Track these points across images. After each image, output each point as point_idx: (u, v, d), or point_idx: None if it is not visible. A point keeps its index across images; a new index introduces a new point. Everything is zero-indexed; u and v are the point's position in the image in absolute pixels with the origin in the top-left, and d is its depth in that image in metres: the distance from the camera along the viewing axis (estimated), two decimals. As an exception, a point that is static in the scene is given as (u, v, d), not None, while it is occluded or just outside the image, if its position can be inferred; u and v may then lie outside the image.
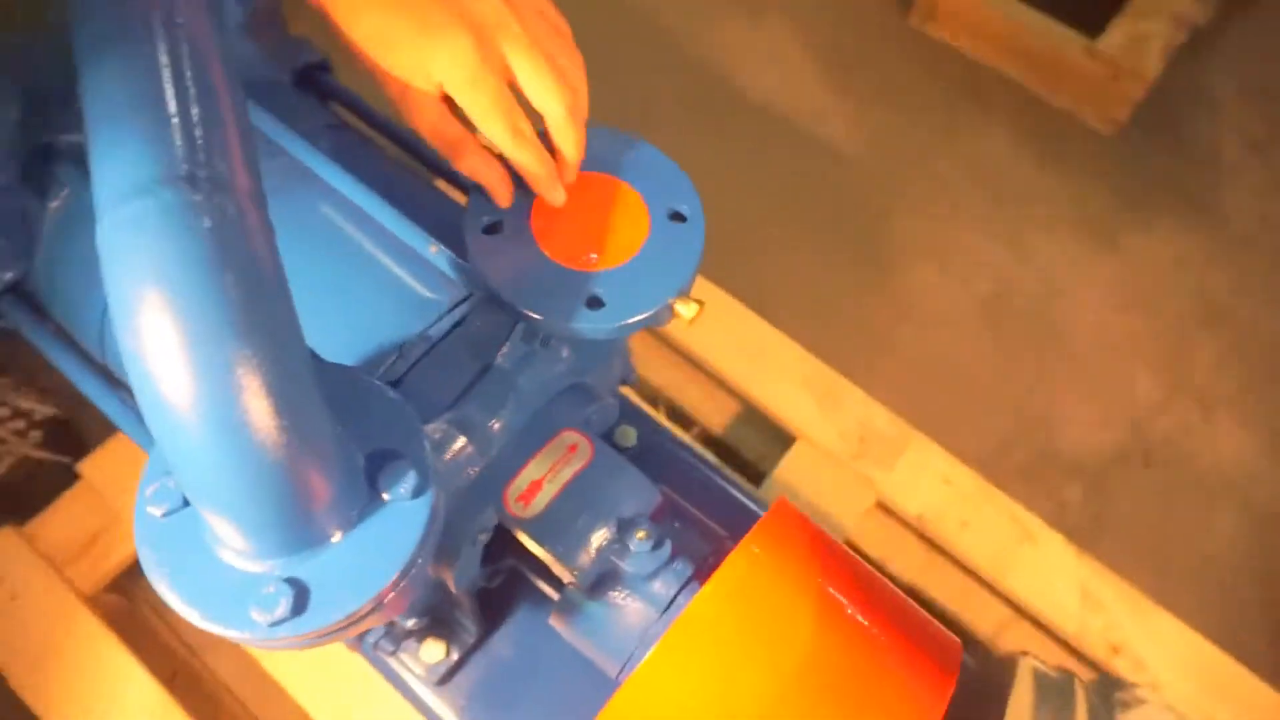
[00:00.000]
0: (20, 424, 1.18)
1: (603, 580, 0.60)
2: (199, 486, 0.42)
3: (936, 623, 0.60)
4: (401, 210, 0.62)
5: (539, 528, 0.59)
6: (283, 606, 0.43)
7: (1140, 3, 1.48)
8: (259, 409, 0.39)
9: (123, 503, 1.04)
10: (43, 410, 1.20)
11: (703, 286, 1.21)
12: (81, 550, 1.04)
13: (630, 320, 0.54)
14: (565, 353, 0.62)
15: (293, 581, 0.44)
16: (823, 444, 1.09)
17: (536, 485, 0.60)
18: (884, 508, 1.10)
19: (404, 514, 0.46)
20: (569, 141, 0.54)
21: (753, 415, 1.19)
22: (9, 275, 0.69)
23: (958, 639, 0.59)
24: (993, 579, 1.03)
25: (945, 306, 1.40)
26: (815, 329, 1.23)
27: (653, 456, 0.74)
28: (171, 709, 0.96)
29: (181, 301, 0.37)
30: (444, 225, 0.62)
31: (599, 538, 0.59)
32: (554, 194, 0.56)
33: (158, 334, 0.37)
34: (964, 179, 1.50)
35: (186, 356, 0.37)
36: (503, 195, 0.56)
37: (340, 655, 0.96)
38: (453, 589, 0.67)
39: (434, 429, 0.57)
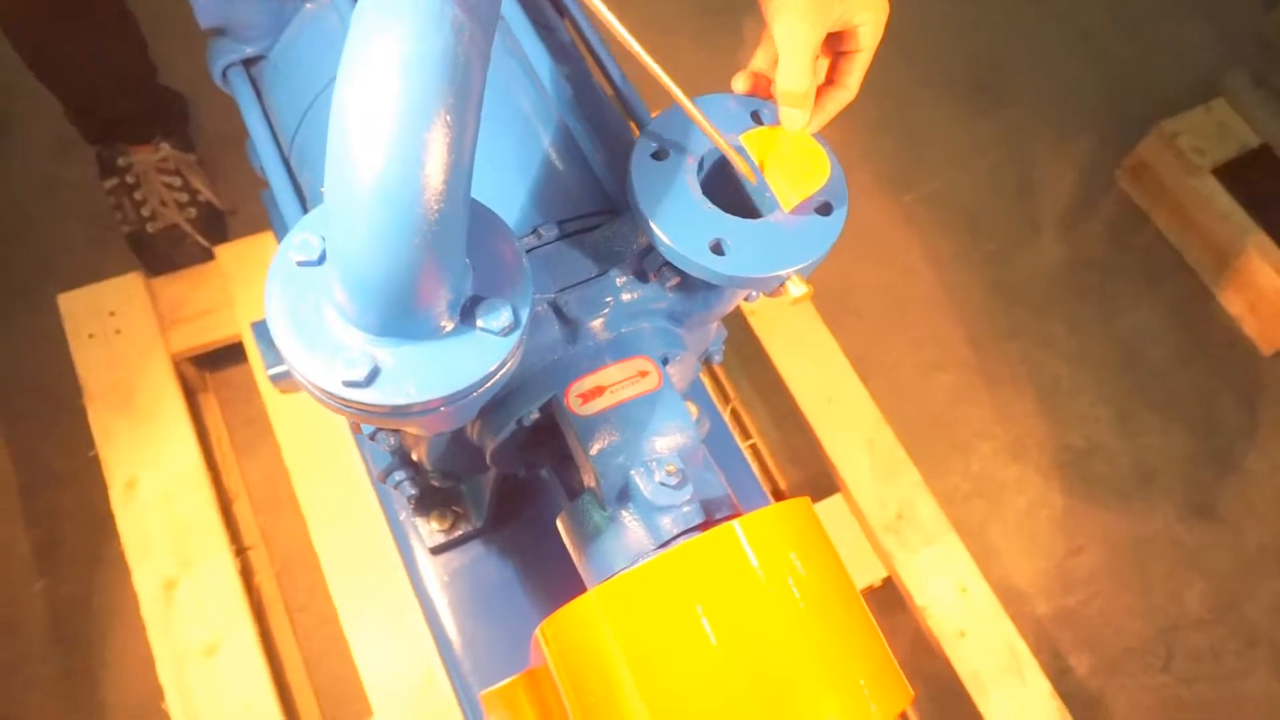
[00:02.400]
0: (184, 197, 1.30)
1: (620, 496, 0.64)
2: (351, 243, 0.47)
3: (896, 666, 0.62)
4: (582, 114, 0.68)
5: (587, 427, 0.64)
6: (356, 372, 0.49)
7: (1348, 239, 1.44)
8: (434, 182, 0.45)
9: (240, 294, 1.14)
10: (207, 194, 1.32)
11: (814, 325, 1.25)
12: (189, 318, 1.15)
13: (741, 274, 0.58)
14: (670, 291, 0.67)
15: (373, 359, 0.50)
16: (861, 505, 1.11)
17: (599, 390, 0.65)
18: (887, 588, 1.11)
19: (486, 345, 0.52)
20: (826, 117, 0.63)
21: (807, 454, 1.22)
22: (249, 50, 0.78)
23: (910, 690, 0.61)
24: (971, 693, 1.02)
25: (1031, 443, 1.39)
26: (901, 408, 1.24)
27: (708, 440, 0.78)
28: (202, 480, 1.05)
29: (414, 67, 0.43)
30: (618, 146, 0.68)
31: (633, 456, 0.63)
32: (792, 120, 0.62)
33: (379, 88, 0.43)
34: (1102, 337, 1.49)
35: (396, 114, 0.43)
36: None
37: (356, 502, 1.02)
38: (486, 460, 0.72)
39: (536, 303, 0.63)
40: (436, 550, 0.92)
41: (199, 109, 1.39)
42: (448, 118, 0.45)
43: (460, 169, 0.46)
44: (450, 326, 0.52)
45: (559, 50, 0.76)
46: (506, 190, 0.66)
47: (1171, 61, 1.71)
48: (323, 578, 1.02)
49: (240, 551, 1.08)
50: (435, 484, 0.81)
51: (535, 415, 0.66)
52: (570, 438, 0.65)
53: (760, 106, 0.65)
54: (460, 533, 0.91)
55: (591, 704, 0.60)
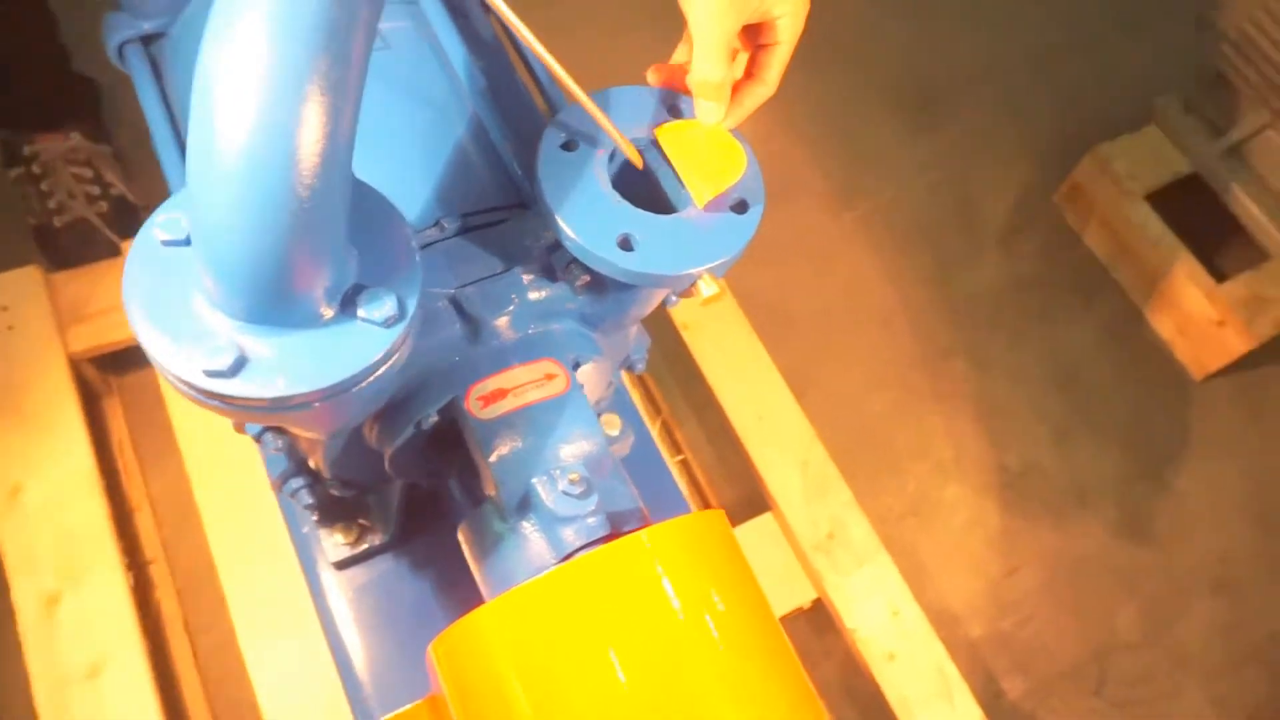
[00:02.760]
0: (95, 190, 1.23)
1: (521, 505, 0.60)
2: (213, 218, 0.43)
3: (812, 691, 0.58)
4: (496, 105, 0.65)
5: (487, 431, 0.60)
6: (220, 361, 0.45)
7: (1274, 267, 1.46)
8: (306, 153, 0.41)
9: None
10: (120, 188, 1.26)
11: (750, 341, 1.22)
12: (91, 315, 1.08)
13: (649, 271, 0.55)
14: (579, 290, 0.63)
15: (240, 347, 0.46)
16: (791, 524, 1.08)
17: (501, 393, 0.61)
18: (817, 610, 1.08)
19: (367, 337, 0.48)
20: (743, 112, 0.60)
21: (740, 471, 1.19)
22: (148, 26, 0.74)
23: (825, 715, 0.58)
24: (899, 718, 1.00)
25: (967, 462, 1.38)
26: (836, 426, 1.22)
27: (633, 455, 0.75)
28: (94, 487, 0.98)
29: (285, 27, 0.39)
30: (527, 133, 0.65)
31: (536, 464, 0.59)
32: (707, 113, 0.59)
33: (247, 49, 0.39)
34: (1039, 356, 1.49)
35: (265, 77, 0.39)
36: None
37: (261, 516, 0.97)
38: (386, 467, 0.68)
39: (435, 298, 0.59)
40: (341, 565, 0.87)
41: (118, 98, 1.33)
42: (322, 85, 0.41)
43: (337, 142, 0.43)
44: (329, 315, 0.47)
45: (475, 38, 0.72)
46: (408, 179, 0.63)
47: (1113, 85, 1.74)
48: (223, 609, 0.96)
49: (138, 566, 1.02)
50: (335, 493, 0.76)
51: (434, 419, 0.62)
52: (470, 443, 0.61)
53: (679, 100, 0.63)
54: (365, 546, 0.86)
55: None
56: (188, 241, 0.48)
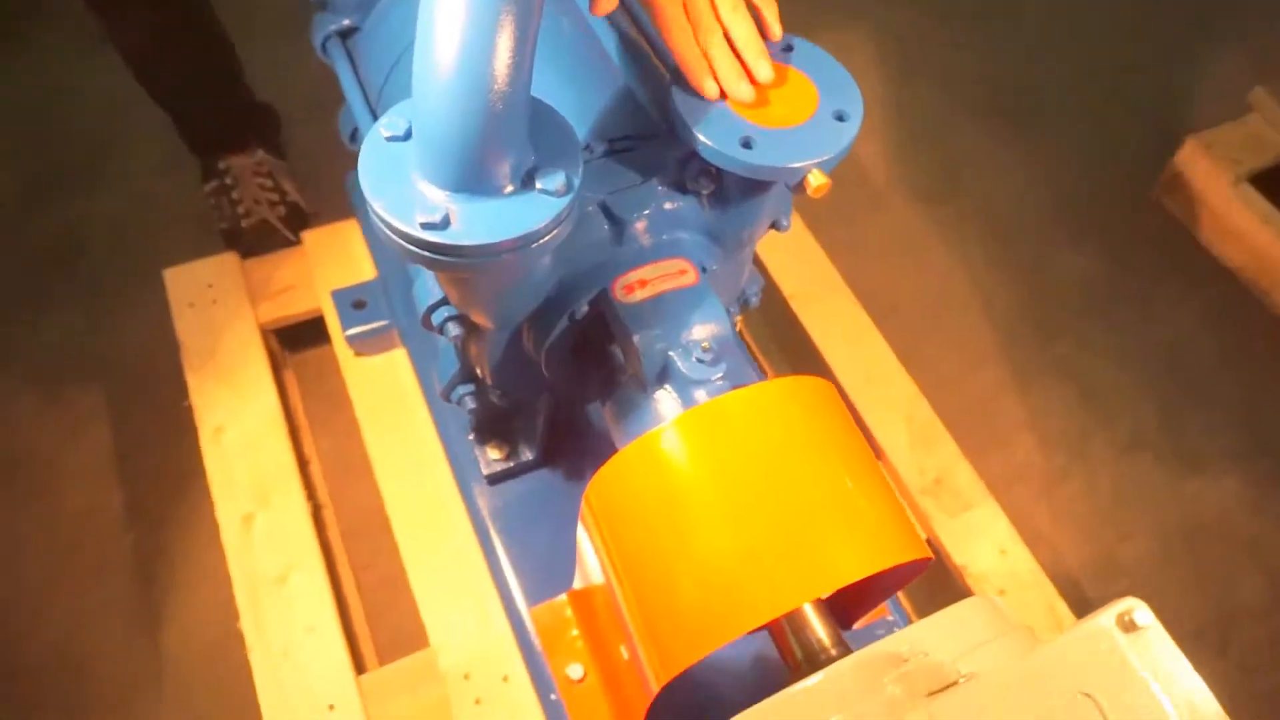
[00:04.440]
0: (275, 197, 1.43)
1: (660, 376, 0.70)
2: (433, 117, 0.57)
3: (912, 522, 0.66)
4: (629, 58, 0.78)
5: (631, 314, 0.71)
6: (434, 216, 0.58)
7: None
8: (499, 71, 0.55)
9: (320, 273, 1.25)
10: (294, 195, 1.46)
11: (855, 312, 1.31)
12: (275, 293, 1.26)
13: (767, 164, 0.66)
14: (706, 201, 0.74)
15: (448, 209, 0.58)
16: (899, 470, 1.15)
17: (642, 283, 0.72)
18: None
19: (545, 203, 0.60)
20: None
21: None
22: (346, 21, 0.91)
23: (925, 547, 0.65)
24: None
25: (1075, 436, 1.41)
26: (942, 398, 1.28)
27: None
28: (281, 430, 1.14)
29: None
30: (656, 81, 0.77)
31: (672, 339, 0.70)
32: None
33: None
34: (1143, 338, 1.51)
35: (470, 13, 0.53)
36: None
37: (423, 461, 1.09)
38: (543, 368, 0.79)
39: (586, 203, 0.71)
40: (493, 479, 0.99)
41: (289, 129, 1.54)
42: (509, 22, 0.55)
43: (520, 63, 0.56)
44: (514, 188, 0.60)
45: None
46: (564, 111, 0.75)
47: (1203, 85, 1.77)
48: (386, 542, 1.09)
49: (314, 507, 1.16)
50: (495, 401, 0.88)
51: (585, 309, 0.74)
52: (616, 327, 0.72)
53: (788, 39, 0.74)
54: (514, 463, 0.98)
55: (631, 550, 0.66)
56: (406, 136, 0.62)
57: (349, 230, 1.29)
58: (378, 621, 1.17)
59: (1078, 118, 1.77)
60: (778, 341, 1.39)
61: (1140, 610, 0.44)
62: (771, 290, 1.33)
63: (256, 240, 1.39)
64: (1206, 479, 1.39)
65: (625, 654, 0.87)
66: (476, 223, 0.59)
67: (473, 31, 0.54)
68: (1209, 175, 1.56)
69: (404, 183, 0.60)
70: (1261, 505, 1.37)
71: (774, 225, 0.83)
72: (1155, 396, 1.45)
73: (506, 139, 0.59)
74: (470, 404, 0.88)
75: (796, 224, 1.40)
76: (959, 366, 1.47)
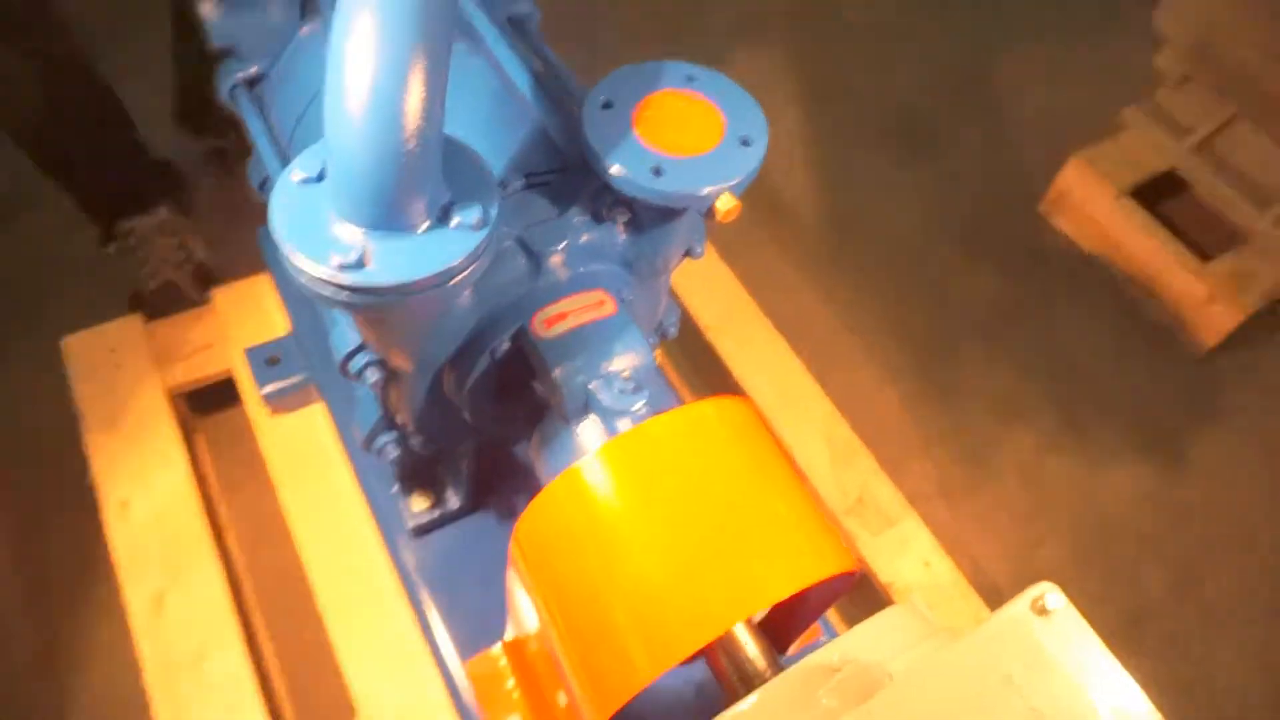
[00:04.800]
0: (181, 256, 1.39)
1: (582, 408, 0.71)
2: (346, 158, 0.57)
3: (839, 536, 0.67)
4: (539, 93, 0.79)
5: (551, 348, 0.71)
6: (350, 256, 0.57)
7: (1257, 243, 1.57)
8: (411, 104, 0.55)
9: (234, 331, 1.22)
10: (200, 254, 1.42)
11: (770, 337, 1.34)
12: (184, 355, 1.22)
13: (678, 190, 0.68)
14: (622, 230, 0.76)
15: (364, 248, 0.58)
16: (821, 491, 1.17)
17: (561, 316, 0.73)
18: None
19: (462, 237, 0.60)
20: None
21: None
22: (254, 68, 0.90)
23: (852, 557, 0.66)
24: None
25: (986, 445, 1.46)
26: (856, 416, 1.31)
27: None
28: (193, 499, 1.09)
29: (394, 20, 0.53)
30: (566, 117, 0.79)
31: (593, 371, 0.70)
32: None
33: (366, 32, 0.54)
34: (1042, 350, 1.59)
35: (378, 49, 0.54)
36: None
37: (342, 520, 1.06)
38: (465, 414, 0.79)
39: (503, 237, 0.71)
40: (419, 531, 0.97)
41: (196, 182, 1.51)
42: (419, 66, 0.55)
43: (432, 103, 0.57)
44: (430, 224, 0.60)
45: (516, 50, 0.88)
46: (479, 149, 0.76)
47: (1078, 103, 1.89)
48: (309, 606, 1.05)
49: (233, 582, 1.11)
50: (417, 449, 0.86)
51: (506, 345, 0.74)
52: (536, 362, 0.72)
53: (691, 70, 0.76)
54: (440, 513, 0.96)
55: (561, 586, 0.65)
56: (320, 178, 0.61)
57: (261, 285, 1.26)
58: (303, 694, 1.12)
59: (969, 140, 1.87)
60: (698, 372, 1.41)
61: (1052, 594, 0.46)
62: (688, 322, 1.36)
63: (163, 302, 1.35)
64: (1110, 477, 1.45)
65: (563, 700, 0.85)
66: (394, 261, 0.58)
67: (384, 69, 0.55)
68: (1092, 191, 1.66)
69: (318, 225, 0.59)
70: (1159, 501, 1.44)
71: (688, 253, 0.85)
72: (1059, 405, 1.52)
73: (421, 175, 0.59)
74: (392, 452, 0.86)
75: (711, 256, 1.44)
76: (872, 385, 1.51)
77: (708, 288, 1.38)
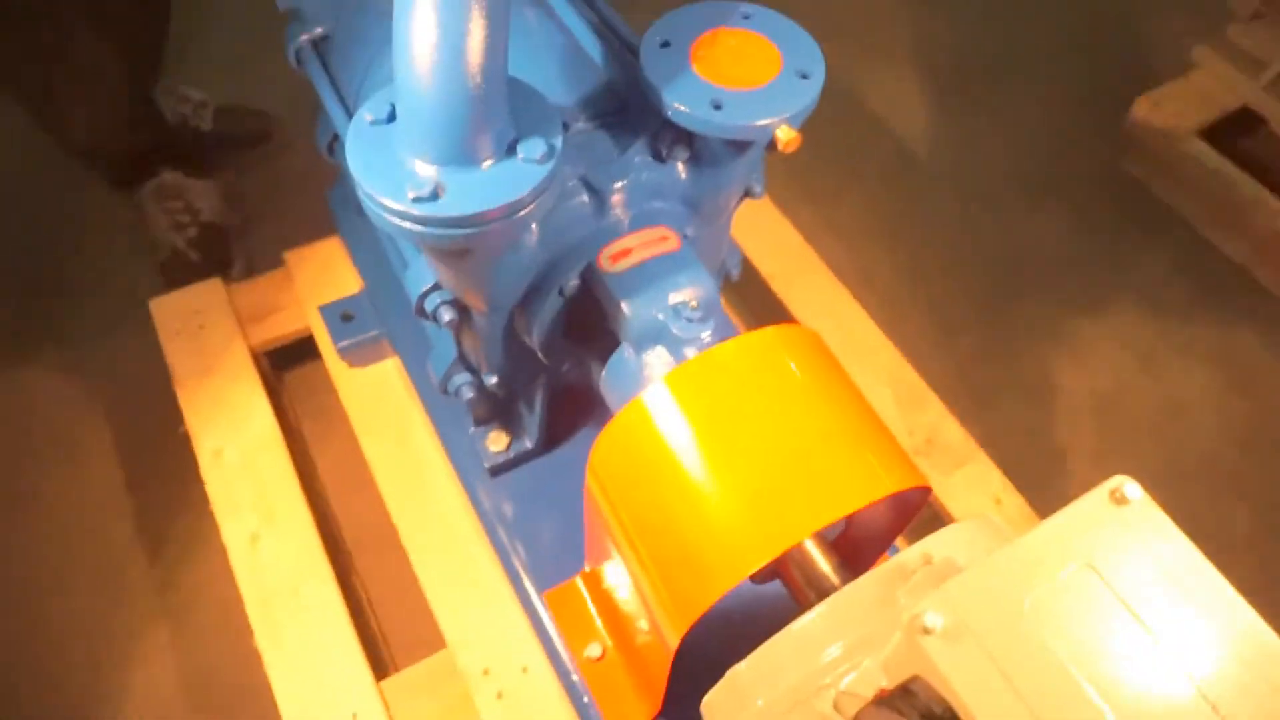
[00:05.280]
0: (185, 218, 1.42)
1: (650, 339, 0.73)
2: (416, 99, 0.59)
3: (906, 455, 0.68)
4: (599, 43, 0.81)
5: (618, 282, 0.74)
6: (425, 190, 0.60)
7: (1338, 178, 1.51)
8: (475, 41, 0.58)
9: (307, 294, 1.26)
10: (209, 214, 1.45)
11: (834, 287, 1.34)
12: (260, 317, 1.27)
13: (737, 123, 0.69)
14: (682, 168, 0.77)
15: (436, 181, 0.61)
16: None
17: (626, 252, 0.75)
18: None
19: (528, 171, 0.62)
20: None
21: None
22: (319, 30, 0.93)
23: (923, 476, 0.67)
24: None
25: (1058, 390, 1.44)
26: (925, 363, 1.30)
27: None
28: (279, 445, 1.15)
29: None
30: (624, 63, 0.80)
31: (660, 303, 0.72)
32: None
33: None
34: (1113, 290, 1.55)
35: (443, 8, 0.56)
36: None
37: (421, 465, 1.10)
38: (537, 350, 0.81)
39: (567, 177, 0.73)
40: (495, 471, 1.00)
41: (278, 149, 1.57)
42: (480, 13, 0.58)
43: (494, 46, 0.59)
44: (497, 159, 0.63)
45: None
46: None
47: (1149, 45, 1.83)
48: (394, 547, 1.09)
49: (317, 517, 1.16)
50: (492, 388, 0.90)
51: (574, 283, 0.76)
52: (604, 296, 0.75)
53: (746, 8, 0.77)
54: (515, 453, 1.00)
55: (638, 509, 0.68)
56: (390, 118, 0.64)
57: (333, 246, 1.31)
58: (393, 628, 1.17)
59: (1034, 86, 1.82)
60: (760, 322, 1.41)
61: (1130, 485, 0.47)
62: (750, 271, 1.36)
63: (178, 269, 1.39)
64: (1189, 417, 1.42)
65: (643, 626, 0.88)
66: (465, 193, 0.61)
67: (450, 9, 0.57)
68: (1162, 132, 1.61)
69: (392, 164, 0.62)
70: (1245, 442, 1.40)
71: (748, 193, 0.86)
72: (1133, 345, 1.49)
73: (488, 110, 0.61)
74: (467, 393, 0.90)
75: (769, 207, 1.43)
76: (940, 333, 1.50)
77: (769, 238, 1.38)
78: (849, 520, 0.79)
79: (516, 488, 1.00)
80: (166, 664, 1.15)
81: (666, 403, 0.65)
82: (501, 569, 0.99)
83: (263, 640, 1.01)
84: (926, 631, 0.41)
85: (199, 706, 1.12)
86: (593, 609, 0.91)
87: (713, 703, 0.59)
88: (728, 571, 0.60)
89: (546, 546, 0.97)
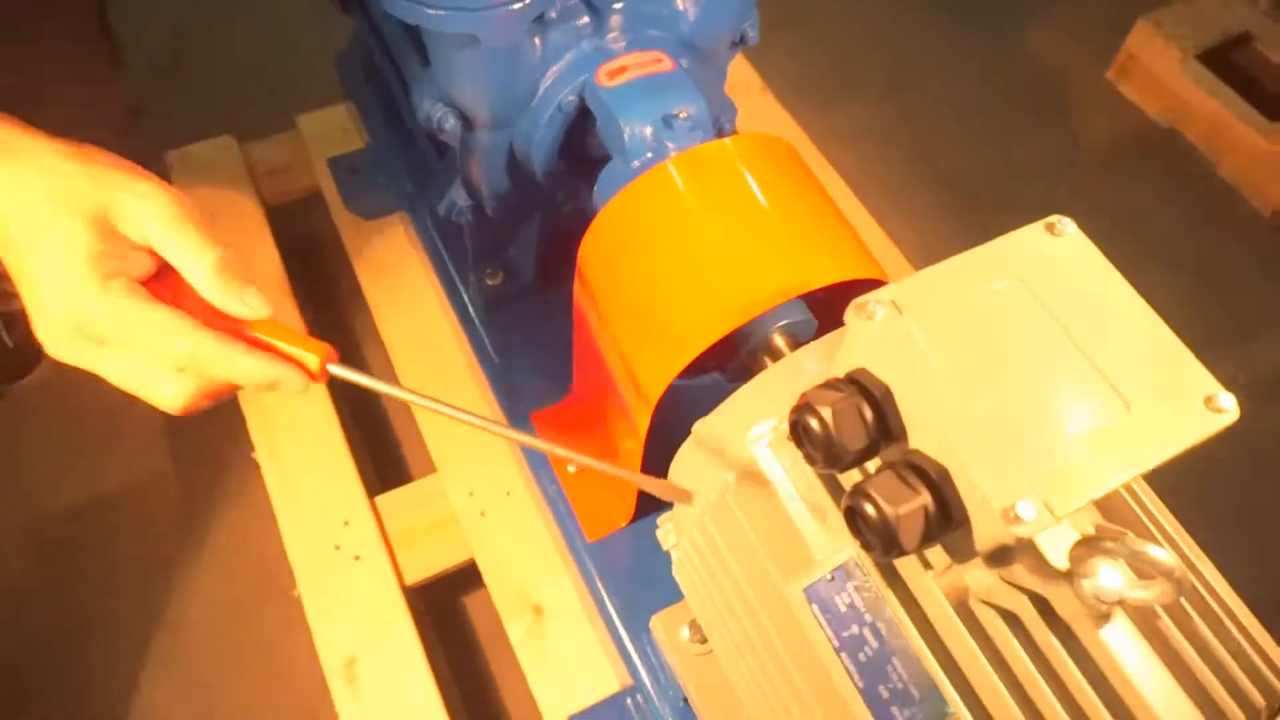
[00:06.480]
0: None
1: (643, 148, 0.77)
2: None
3: (867, 249, 0.72)
4: None
5: (614, 95, 0.78)
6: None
7: (1330, 104, 1.54)
8: None
9: (316, 151, 1.30)
10: None
11: (838, 186, 1.37)
12: (271, 172, 1.31)
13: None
14: (679, 2, 0.81)
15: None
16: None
17: (622, 69, 0.79)
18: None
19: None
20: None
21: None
22: None
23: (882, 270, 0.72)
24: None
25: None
26: (924, 265, 1.34)
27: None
28: (285, 300, 1.19)
29: None
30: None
31: (653, 114, 0.76)
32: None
33: None
34: (1106, 204, 1.59)
35: None
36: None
37: (424, 316, 1.15)
38: (533, 164, 0.86)
39: (565, -3, 0.77)
40: (489, 305, 1.05)
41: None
42: None
43: None
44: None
45: None
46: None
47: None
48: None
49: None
50: (491, 215, 0.94)
51: (573, 99, 0.80)
52: (600, 111, 0.79)
53: None
54: (509, 288, 1.04)
55: (620, 286, 0.72)
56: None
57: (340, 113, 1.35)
58: (384, 453, 1.23)
59: (1036, 5, 1.85)
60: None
61: (1065, 220, 0.51)
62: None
63: None
64: (1176, 330, 1.47)
65: (628, 447, 0.94)
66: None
67: None
68: (1160, 54, 1.64)
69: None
70: (1225, 352, 1.45)
71: (743, 38, 0.90)
72: (1123, 258, 1.51)
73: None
74: (467, 216, 0.94)
75: (776, 107, 1.47)
76: (932, 241, 1.54)
77: (769, 130, 1.42)
78: (821, 323, 0.83)
79: (509, 323, 1.05)
80: (162, 472, 1.20)
81: (648, 192, 0.70)
82: (493, 399, 1.04)
83: (262, 453, 1.06)
84: (869, 318, 0.46)
85: (194, 512, 1.18)
86: (576, 432, 0.96)
87: (682, 457, 0.64)
88: (692, 340, 0.65)
89: (534, 379, 1.02)
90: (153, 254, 0.51)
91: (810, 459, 0.48)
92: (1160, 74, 1.65)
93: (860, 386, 0.47)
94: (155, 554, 1.17)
